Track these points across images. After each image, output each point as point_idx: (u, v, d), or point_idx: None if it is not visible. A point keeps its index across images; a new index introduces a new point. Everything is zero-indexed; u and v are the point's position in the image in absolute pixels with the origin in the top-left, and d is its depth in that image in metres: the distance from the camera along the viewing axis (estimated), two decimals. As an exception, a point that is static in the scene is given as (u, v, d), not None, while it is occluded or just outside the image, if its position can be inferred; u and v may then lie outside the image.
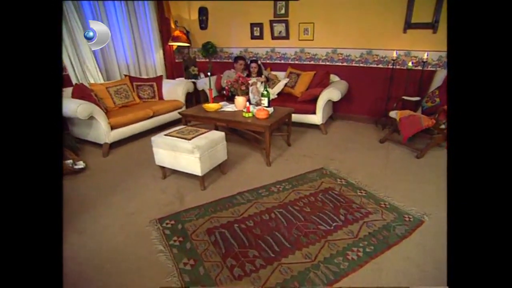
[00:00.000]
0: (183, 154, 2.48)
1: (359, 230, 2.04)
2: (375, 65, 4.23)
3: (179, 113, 3.46)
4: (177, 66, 5.38)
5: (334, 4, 4.17)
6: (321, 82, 4.13)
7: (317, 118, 3.90)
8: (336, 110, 4.61)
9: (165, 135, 2.61)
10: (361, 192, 2.53)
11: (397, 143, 3.58)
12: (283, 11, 4.52)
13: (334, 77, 4.37)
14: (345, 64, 4.41)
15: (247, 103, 3.12)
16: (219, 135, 2.66)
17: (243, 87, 3.22)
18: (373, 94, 4.34)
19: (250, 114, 3.06)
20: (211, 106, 3.31)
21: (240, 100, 3.26)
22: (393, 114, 3.51)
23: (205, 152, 2.49)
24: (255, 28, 4.84)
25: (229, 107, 3.40)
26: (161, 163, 2.71)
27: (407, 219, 2.15)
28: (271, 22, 4.63)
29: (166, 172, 2.84)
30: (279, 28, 4.64)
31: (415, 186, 2.62)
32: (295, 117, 3.89)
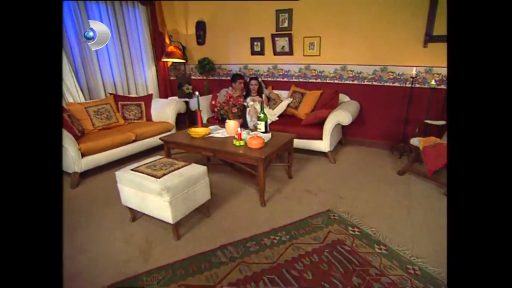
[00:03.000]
0: (151, 195, 1.96)
1: (380, 315, 1.45)
2: (391, 84, 3.69)
3: (160, 138, 2.96)
4: (171, 84, 4.96)
5: (343, 15, 3.70)
6: (329, 103, 3.60)
7: (323, 144, 3.35)
8: (346, 133, 4.06)
9: (131, 169, 2.10)
10: (380, 248, 1.94)
11: (419, 176, 3.00)
12: (286, 24, 4.08)
13: (343, 97, 3.85)
14: (356, 82, 3.89)
15: (239, 129, 2.60)
16: (199, 170, 2.13)
17: (235, 110, 2.71)
18: (389, 116, 3.78)
19: (242, 143, 2.54)
20: (197, 131, 2.81)
21: (231, 124, 2.75)
22: (415, 141, 2.94)
23: (179, 194, 1.95)
24: (255, 43, 4.40)
25: (219, 132, 2.89)
26: (128, 204, 2.19)
27: (447, 297, 1.55)
28: (273, 36, 4.19)
29: (136, 214, 2.31)
30: (281, 42, 4.19)
31: (450, 240, 2.01)
32: (299, 142, 3.36)
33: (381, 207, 2.47)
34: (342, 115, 3.20)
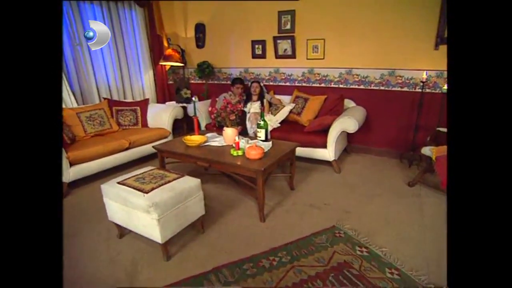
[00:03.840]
0: (138, 212, 1.77)
1: None
2: (399, 88, 3.50)
3: (153, 147, 2.78)
4: (169, 89, 4.80)
5: (348, 16, 3.52)
6: (334, 109, 3.41)
7: (328, 153, 3.15)
8: (352, 141, 3.86)
9: (118, 182, 1.92)
10: (392, 273, 1.73)
11: (431, 187, 2.80)
12: (288, 26, 3.90)
13: (349, 102, 3.66)
14: (362, 87, 3.70)
15: (237, 137, 2.42)
16: (192, 184, 1.94)
17: (233, 117, 2.53)
18: (397, 123, 3.58)
19: (240, 152, 2.35)
20: (193, 139, 2.64)
21: (229, 132, 2.57)
22: (426, 151, 2.73)
23: (168, 211, 1.77)
24: (256, 46, 4.24)
25: (216, 141, 2.71)
26: (114, 220, 2.01)
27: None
28: (275, 38, 4.02)
29: (124, 230, 2.12)
30: (284, 45, 4.01)
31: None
32: (301, 151, 3.18)
33: (391, 223, 2.27)
34: (347, 122, 3.00)
